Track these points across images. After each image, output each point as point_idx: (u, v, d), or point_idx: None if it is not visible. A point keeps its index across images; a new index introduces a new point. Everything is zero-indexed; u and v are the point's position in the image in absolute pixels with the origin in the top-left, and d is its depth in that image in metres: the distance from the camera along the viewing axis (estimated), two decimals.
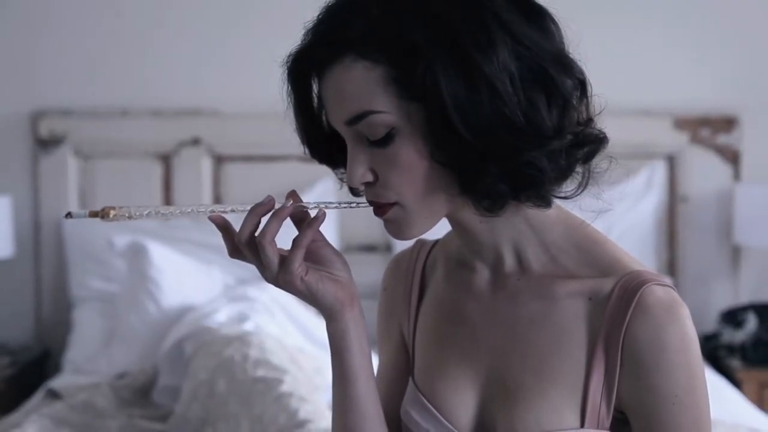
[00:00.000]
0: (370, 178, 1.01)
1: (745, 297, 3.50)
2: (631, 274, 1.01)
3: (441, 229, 1.22)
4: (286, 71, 1.04)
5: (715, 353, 3.35)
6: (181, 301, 3.10)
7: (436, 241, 1.21)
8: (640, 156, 3.46)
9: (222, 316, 2.79)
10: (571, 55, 1.00)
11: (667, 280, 1.03)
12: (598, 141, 1.01)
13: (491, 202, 0.99)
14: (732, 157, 3.49)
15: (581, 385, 1.01)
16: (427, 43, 0.94)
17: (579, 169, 1.02)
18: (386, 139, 0.98)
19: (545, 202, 1.02)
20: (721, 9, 3.52)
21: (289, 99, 1.07)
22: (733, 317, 3.34)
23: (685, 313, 0.99)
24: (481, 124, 0.94)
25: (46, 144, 3.47)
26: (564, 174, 1.00)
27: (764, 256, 3.52)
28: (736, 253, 3.52)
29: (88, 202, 3.50)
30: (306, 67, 1.03)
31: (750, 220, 3.34)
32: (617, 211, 3.35)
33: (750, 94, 3.53)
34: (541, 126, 0.95)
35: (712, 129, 3.48)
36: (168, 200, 3.53)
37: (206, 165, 3.51)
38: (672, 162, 3.51)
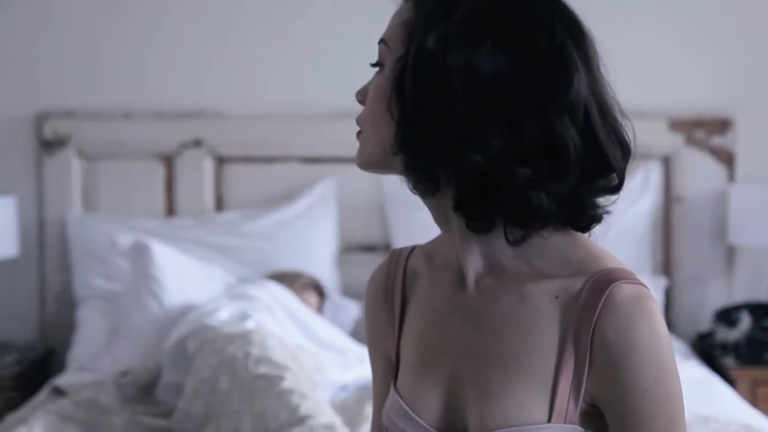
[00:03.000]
0: (360, 97, 1.11)
1: (739, 296, 3.54)
2: (600, 273, 1.04)
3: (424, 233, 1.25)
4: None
5: (709, 352, 3.39)
6: (183, 300, 3.13)
7: (413, 249, 1.22)
8: (635, 157, 3.49)
9: (224, 315, 2.82)
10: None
11: (638, 278, 1.05)
12: (594, 216, 1.07)
13: (417, 178, 1.05)
14: (726, 158, 3.53)
15: (550, 382, 1.03)
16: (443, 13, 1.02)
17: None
18: (378, 68, 1.09)
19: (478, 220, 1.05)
20: (715, 11, 3.56)
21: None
22: (727, 316, 3.37)
23: (654, 307, 1.02)
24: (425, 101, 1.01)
25: (50, 145, 3.51)
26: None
27: (758, 256, 3.56)
28: (730, 253, 3.56)
29: (92, 202, 3.54)
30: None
31: (744, 221, 3.37)
32: (613, 212, 3.38)
33: (744, 96, 3.56)
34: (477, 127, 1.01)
35: (707, 130, 3.52)
36: (170, 200, 3.57)
37: (208, 166, 3.54)
38: (667, 163, 3.55)
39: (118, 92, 3.58)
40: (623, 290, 1.02)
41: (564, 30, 1.03)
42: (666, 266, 3.55)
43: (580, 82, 1.02)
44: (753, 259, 3.57)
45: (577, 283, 1.04)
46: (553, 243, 1.07)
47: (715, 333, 3.42)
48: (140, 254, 3.20)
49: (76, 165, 3.52)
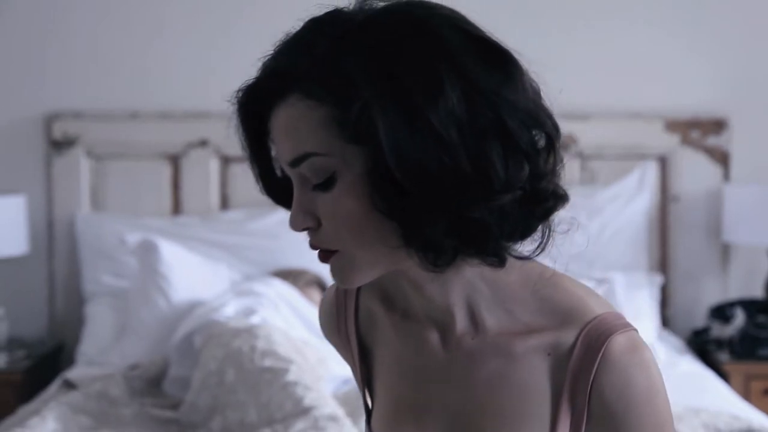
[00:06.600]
0: (310, 223, 0.96)
1: (733, 293, 3.59)
2: (592, 324, 0.97)
3: None
4: (236, 106, 0.98)
5: (704, 347, 3.45)
6: (190, 296, 3.17)
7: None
8: (632, 157, 3.56)
9: (230, 310, 2.87)
10: (539, 105, 0.93)
11: (627, 320, 0.98)
12: (558, 198, 0.95)
13: (436, 255, 0.92)
14: (721, 158, 3.59)
15: None
16: (365, 81, 0.88)
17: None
18: (327, 184, 0.92)
19: (498, 259, 0.94)
20: (711, 13, 3.61)
21: (237, 134, 1.00)
22: (721, 312, 3.42)
23: (649, 356, 0.97)
24: (421, 173, 0.88)
25: (59, 145, 3.57)
26: (521, 232, 0.94)
27: (752, 254, 3.61)
28: (725, 251, 3.61)
29: (100, 202, 3.61)
30: (255, 103, 0.97)
31: (738, 219, 3.43)
32: (610, 211, 3.45)
33: (739, 97, 3.61)
34: (491, 179, 0.89)
35: (702, 131, 3.58)
36: (177, 200, 3.63)
37: (214, 165, 3.60)
38: (663, 163, 3.61)
39: (125, 93, 3.64)
40: (618, 343, 0.96)
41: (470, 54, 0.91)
42: (662, 264, 3.61)
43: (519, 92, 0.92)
44: (747, 256, 3.62)
45: (569, 337, 0.97)
46: (533, 289, 0.99)
47: (709, 329, 3.47)
48: (148, 252, 3.25)
49: (84, 165, 3.58)
